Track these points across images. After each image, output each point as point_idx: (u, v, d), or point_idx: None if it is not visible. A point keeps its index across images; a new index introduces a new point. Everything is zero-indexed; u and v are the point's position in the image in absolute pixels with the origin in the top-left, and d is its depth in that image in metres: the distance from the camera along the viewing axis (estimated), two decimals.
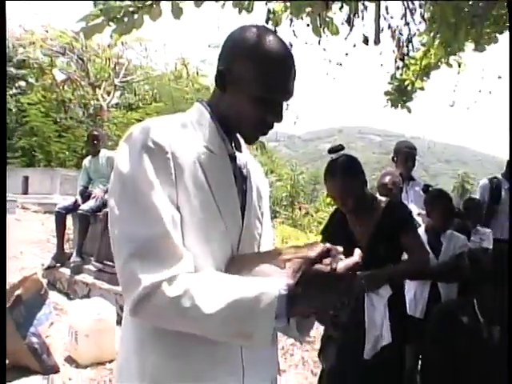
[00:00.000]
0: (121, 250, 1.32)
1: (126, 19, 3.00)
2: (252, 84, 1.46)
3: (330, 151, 3.20)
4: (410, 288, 4.21)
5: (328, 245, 1.35)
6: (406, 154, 5.35)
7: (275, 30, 4.40)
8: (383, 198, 3.39)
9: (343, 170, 3.09)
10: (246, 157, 1.67)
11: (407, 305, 3.71)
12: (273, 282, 1.26)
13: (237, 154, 1.60)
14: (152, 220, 1.30)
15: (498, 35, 4.85)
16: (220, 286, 1.28)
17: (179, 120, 1.51)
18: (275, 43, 1.48)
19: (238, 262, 1.45)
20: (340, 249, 1.35)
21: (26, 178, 19.19)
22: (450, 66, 5.44)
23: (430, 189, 5.04)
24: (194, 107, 1.59)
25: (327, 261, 1.30)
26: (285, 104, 1.56)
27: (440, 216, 4.27)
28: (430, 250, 4.20)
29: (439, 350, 3.33)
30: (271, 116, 1.51)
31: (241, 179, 1.59)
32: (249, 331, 1.25)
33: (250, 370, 1.46)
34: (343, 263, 1.29)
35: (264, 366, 1.55)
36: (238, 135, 1.63)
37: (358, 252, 1.33)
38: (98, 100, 22.29)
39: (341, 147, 3.19)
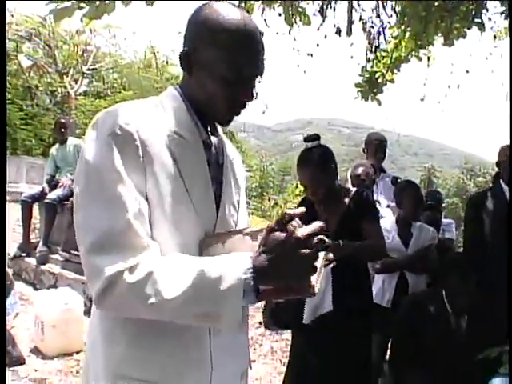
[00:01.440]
0: (84, 240, 1.29)
1: (97, 3, 2.94)
2: (219, 63, 1.40)
3: (306, 140, 3.23)
4: (379, 278, 4.26)
5: (289, 210, 1.31)
6: (376, 146, 5.37)
7: None
8: (351, 188, 3.44)
9: (316, 160, 3.13)
10: (224, 143, 1.63)
11: (374, 293, 3.76)
12: (237, 258, 1.24)
13: (213, 139, 1.56)
14: (115, 211, 1.27)
15: (466, 30, 4.91)
16: (184, 268, 1.24)
17: (149, 104, 1.46)
18: (240, 18, 1.42)
19: (211, 239, 1.42)
20: (302, 209, 1.31)
21: None
22: (419, 59, 5.49)
23: (399, 180, 5.09)
24: (166, 91, 1.54)
25: (290, 227, 1.26)
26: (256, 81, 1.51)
27: (410, 207, 4.32)
28: (400, 241, 4.26)
29: (407, 340, 3.38)
30: (242, 95, 1.46)
31: (216, 166, 1.55)
32: (216, 312, 1.22)
33: (219, 363, 1.44)
34: (303, 229, 1.24)
35: (234, 358, 1.53)
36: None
37: (317, 222, 1.27)
38: (65, 87, 22.10)
39: (316, 136, 3.22)
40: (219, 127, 1.62)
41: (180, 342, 1.37)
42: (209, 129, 1.55)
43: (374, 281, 4.26)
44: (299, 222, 1.29)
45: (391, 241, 4.19)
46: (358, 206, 3.24)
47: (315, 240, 1.24)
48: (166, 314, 1.27)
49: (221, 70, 1.40)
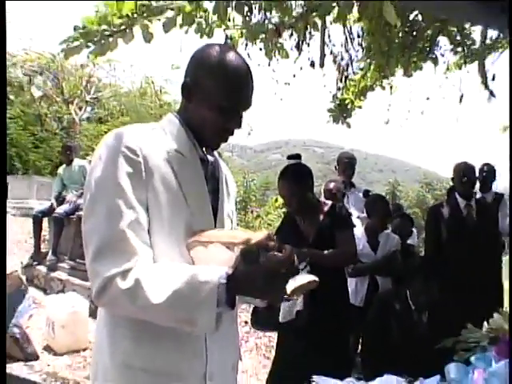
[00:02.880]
0: (87, 248, 1.33)
1: (102, 42, 2.98)
2: (214, 94, 1.44)
3: (288, 158, 3.30)
4: (352, 280, 4.27)
5: (265, 232, 1.36)
6: (345, 164, 5.42)
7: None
8: (328, 202, 3.46)
9: (291, 174, 3.20)
10: (218, 160, 1.65)
11: (350, 295, 3.77)
12: (214, 272, 1.26)
13: (208, 157, 1.58)
14: (113, 221, 1.29)
15: (422, 64, 5.03)
16: (168, 277, 1.27)
17: (151, 127, 1.49)
18: (234, 58, 1.48)
19: (198, 234, 1.42)
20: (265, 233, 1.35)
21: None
22: (383, 88, 5.57)
23: (370, 193, 5.14)
24: (166, 117, 1.58)
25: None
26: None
27: (378, 217, 4.36)
28: (369, 248, 4.29)
29: (376, 334, 3.40)
30: (231, 123, 1.50)
31: (212, 181, 1.57)
32: (193, 318, 1.25)
33: (214, 355, 1.45)
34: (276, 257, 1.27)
35: (226, 350, 1.54)
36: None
37: (288, 247, 1.31)
38: (70, 114, 22.12)
39: (297, 156, 3.28)
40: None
41: (179, 335, 1.37)
42: (204, 149, 1.57)
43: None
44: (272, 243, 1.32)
45: (362, 248, 4.23)
46: (333, 217, 3.27)
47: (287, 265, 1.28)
48: (151, 317, 1.30)
49: (215, 99, 1.44)
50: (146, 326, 1.35)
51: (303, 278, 1.49)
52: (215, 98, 1.45)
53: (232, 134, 1.54)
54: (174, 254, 1.38)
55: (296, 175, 3.20)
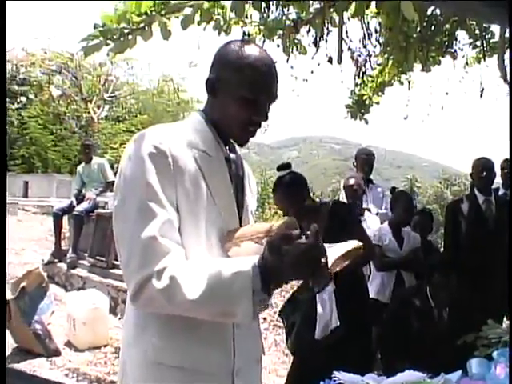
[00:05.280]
0: (119, 248, 1.35)
1: (121, 39, 3.01)
2: (239, 87, 1.44)
3: (278, 169, 3.26)
4: (377, 276, 4.29)
5: (287, 220, 1.34)
6: (363, 160, 5.39)
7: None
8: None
9: (285, 187, 3.16)
10: (242, 159, 1.65)
11: (376, 290, 3.78)
12: (246, 262, 1.26)
13: (231, 156, 1.58)
14: (144, 222, 1.29)
15: (441, 58, 4.99)
16: (202, 272, 1.27)
17: (178, 127, 1.50)
18: (258, 51, 1.49)
19: (229, 235, 1.44)
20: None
21: (26, 183, 19.01)
22: (401, 83, 5.55)
23: (396, 190, 5.10)
24: (191, 115, 1.58)
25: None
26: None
27: (403, 213, 4.36)
28: (395, 242, 4.29)
29: (396, 331, 3.38)
30: (258, 115, 1.49)
31: (236, 179, 1.57)
32: (231, 310, 1.25)
33: (241, 349, 1.46)
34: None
35: (251, 345, 1.55)
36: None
37: (312, 230, 1.26)
38: (89, 113, 22.24)
39: (287, 165, 3.24)
40: (237, 146, 1.63)
41: (208, 331, 1.38)
42: (228, 147, 1.57)
43: (372, 278, 4.31)
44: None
45: (388, 242, 4.25)
46: (339, 216, 3.19)
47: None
48: (189, 312, 1.30)
49: (240, 92, 1.44)
50: (175, 323, 1.36)
51: (343, 247, 1.47)
52: (240, 90, 1.44)
53: (259, 126, 1.53)
54: (204, 253, 1.39)
55: (290, 186, 3.16)
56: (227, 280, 1.24)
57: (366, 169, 5.38)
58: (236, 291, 1.23)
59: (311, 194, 3.37)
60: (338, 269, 1.47)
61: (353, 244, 1.52)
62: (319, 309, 3.06)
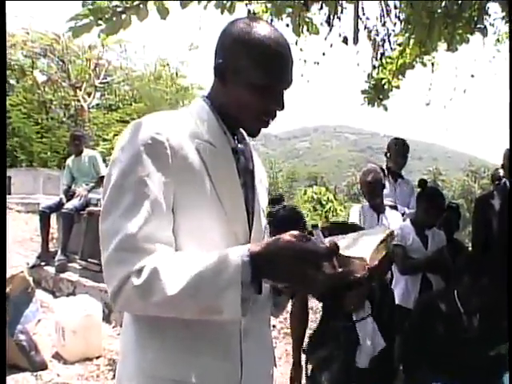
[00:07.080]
0: (103, 247, 1.33)
1: (114, 19, 2.99)
2: (252, 73, 1.41)
3: (271, 202, 3.24)
4: (401, 280, 4.27)
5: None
6: (397, 152, 5.38)
7: None
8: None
9: (281, 226, 3.13)
10: (251, 150, 1.63)
11: (400, 294, 3.77)
12: (234, 251, 1.23)
13: (240, 147, 1.55)
14: (130, 221, 1.28)
15: (469, 36, 4.93)
16: (184, 265, 1.24)
17: (179, 115, 1.47)
18: (271, 31, 1.44)
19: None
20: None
21: (9, 179, 19.00)
22: (424, 65, 5.51)
23: (428, 186, 5.02)
24: (194, 102, 1.55)
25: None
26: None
27: (433, 213, 4.29)
28: (420, 242, 4.26)
29: (418, 339, 3.37)
30: (274, 104, 1.47)
31: (245, 173, 1.54)
32: (216, 305, 1.22)
33: (249, 361, 1.44)
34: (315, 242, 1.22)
35: (261, 356, 1.53)
36: (242, 130, 1.57)
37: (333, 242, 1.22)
38: (78, 101, 22.23)
39: (281, 198, 3.22)
40: (246, 135, 1.60)
41: (211, 342, 1.38)
42: (236, 137, 1.55)
43: (396, 282, 4.29)
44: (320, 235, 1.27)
45: (411, 242, 4.22)
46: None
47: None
48: (171, 310, 1.28)
49: (254, 79, 1.41)
50: (176, 333, 1.35)
51: (376, 238, 1.44)
52: (253, 76, 1.41)
53: (274, 116, 1.50)
54: (205, 247, 1.35)
55: (282, 226, 3.14)
56: (212, 271, 1.21)
57: (400, 161, 5.36)
58: (222, 283, 1.20)
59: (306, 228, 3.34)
60: (376, 262, 1.39)
61: (382, 232, 1.49)
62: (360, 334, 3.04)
